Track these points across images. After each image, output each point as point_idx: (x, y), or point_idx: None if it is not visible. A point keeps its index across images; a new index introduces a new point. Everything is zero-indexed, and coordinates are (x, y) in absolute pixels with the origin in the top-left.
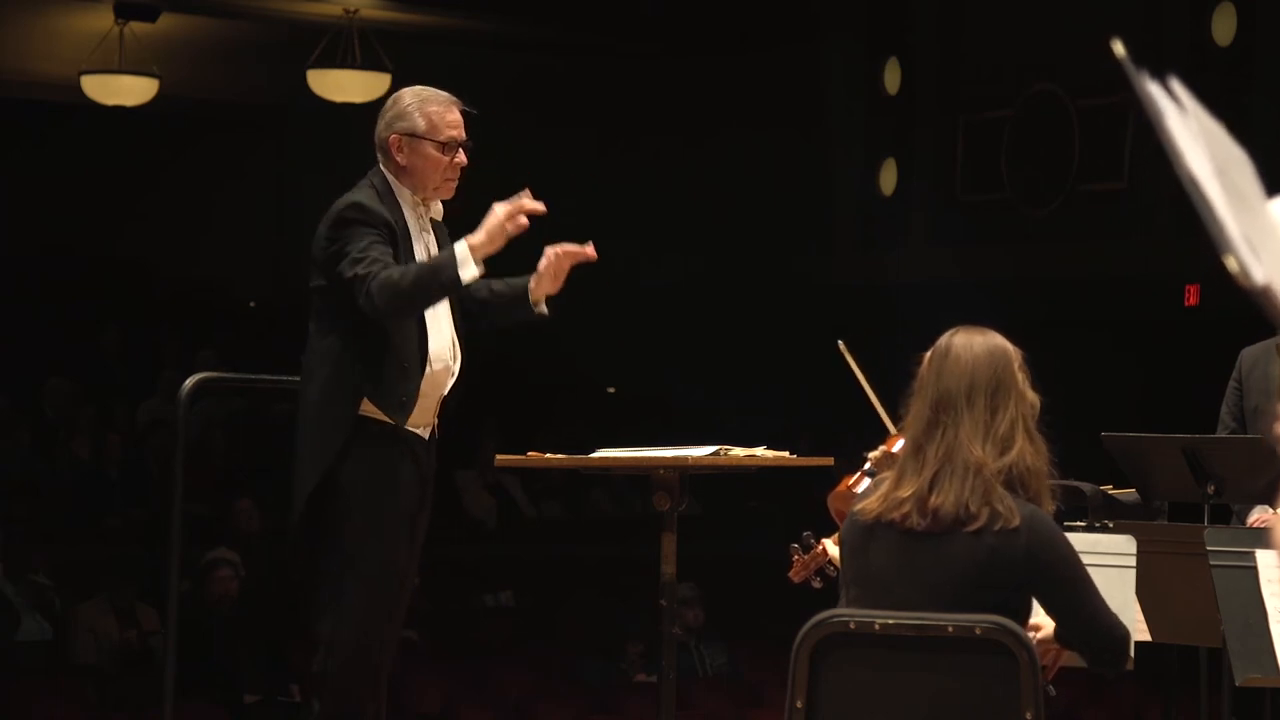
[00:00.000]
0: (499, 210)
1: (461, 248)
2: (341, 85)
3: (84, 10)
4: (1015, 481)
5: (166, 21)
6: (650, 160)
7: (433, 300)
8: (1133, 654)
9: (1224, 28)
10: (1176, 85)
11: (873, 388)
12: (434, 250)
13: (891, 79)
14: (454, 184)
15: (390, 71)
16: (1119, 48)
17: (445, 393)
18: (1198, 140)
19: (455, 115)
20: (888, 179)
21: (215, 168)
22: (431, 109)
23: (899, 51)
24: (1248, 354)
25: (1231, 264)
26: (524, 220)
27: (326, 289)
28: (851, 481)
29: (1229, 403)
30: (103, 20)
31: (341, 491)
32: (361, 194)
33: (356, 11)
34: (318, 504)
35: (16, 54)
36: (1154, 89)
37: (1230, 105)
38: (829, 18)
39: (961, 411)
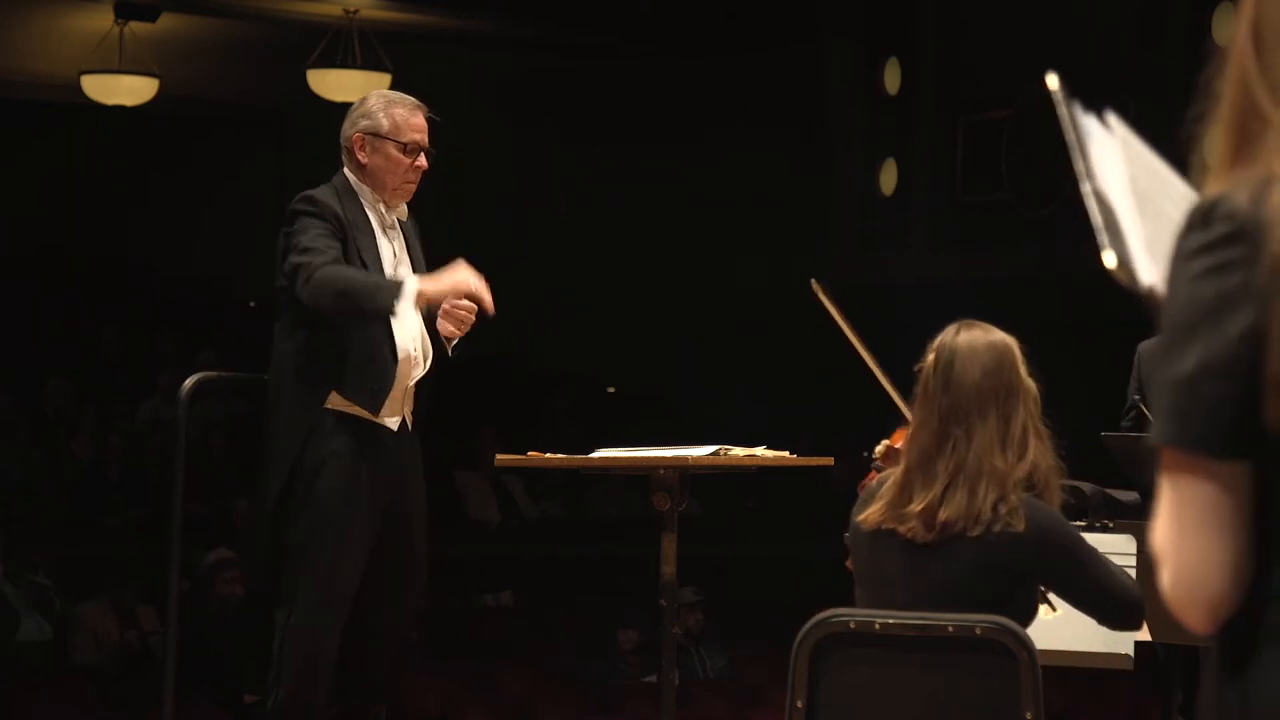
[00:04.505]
0: (465, 280)
1: (411, 285)
2: (341, 85)
3: (84, 10)
4: (1034, 484)
5: (166, 21)
6: (650, 160)
7: (357, 314)
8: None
9: (1224, 28)
10: (1110, 116)
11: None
12: (399, 250)
13: (891, 79)
14: (413, 187)
15: (390, 71)
16: (1053, 81)
17: (411, 384)
18: (1123, 164)
19: (420, 119)
20: (888, 179)
21: (215, 168)
22: (396, 111)
23: (899, 51)
24: (1145, 350)
25: (1109, 260)
26: (471, 302)
27: (285, 288)
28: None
29: (1129, 398)
30: (103, 20)
31: (299, 484)
32: (315, 190)
33: (356, 11)
34: (282, 498)
35: (16, 54)
36: (1082, 117)
37: None
38: (828, 18)
39: (974, 422)
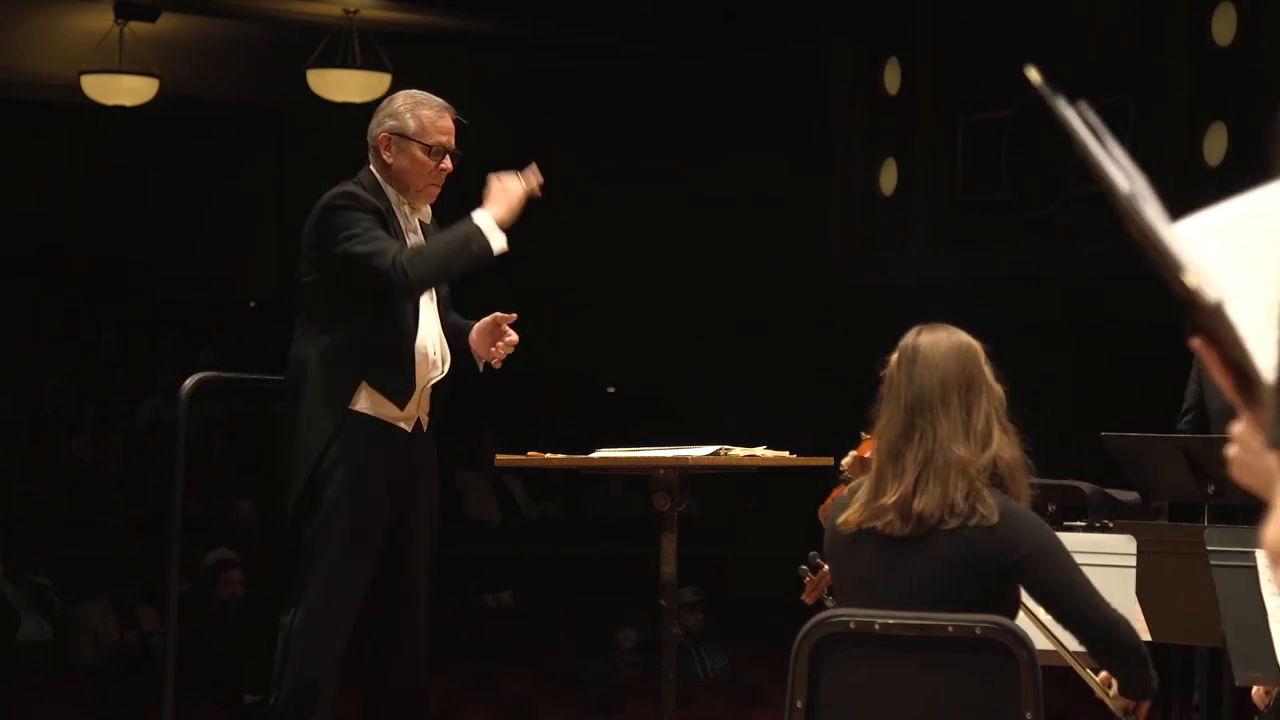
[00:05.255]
0: (511, 185)
1: (485, 219)
2: (341, 85)
3: (84, 10)
4: (999, 477)
5: (166, 21)
6: (650, 160)
7: (461, 271)
8: (1152, 671)
9: (1224, 28)
10: (1088, 111)
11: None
12: None
13: (891, 79)
14: (437, 190)
15: (390, 71)
16: (1033, 74)
17: (428, 385)
18: (1116, 164)
19: (447, 122)
20: (888, 179)
21: (215, 168)
22: (424, 112)
23: (899, 51)
24: None
25: (1191, 281)
26: (534, 189)
27: (318, 283)
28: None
29: (1188, 399)
30: (103, 20)
31: (315, 485)
32: (349, 186)
33: (356, 11)
34: (300, 497)
35: (16, 54)
36: (1071, 114)
37: (1230, 105)
38: (828, 18)
39: (937, 413)
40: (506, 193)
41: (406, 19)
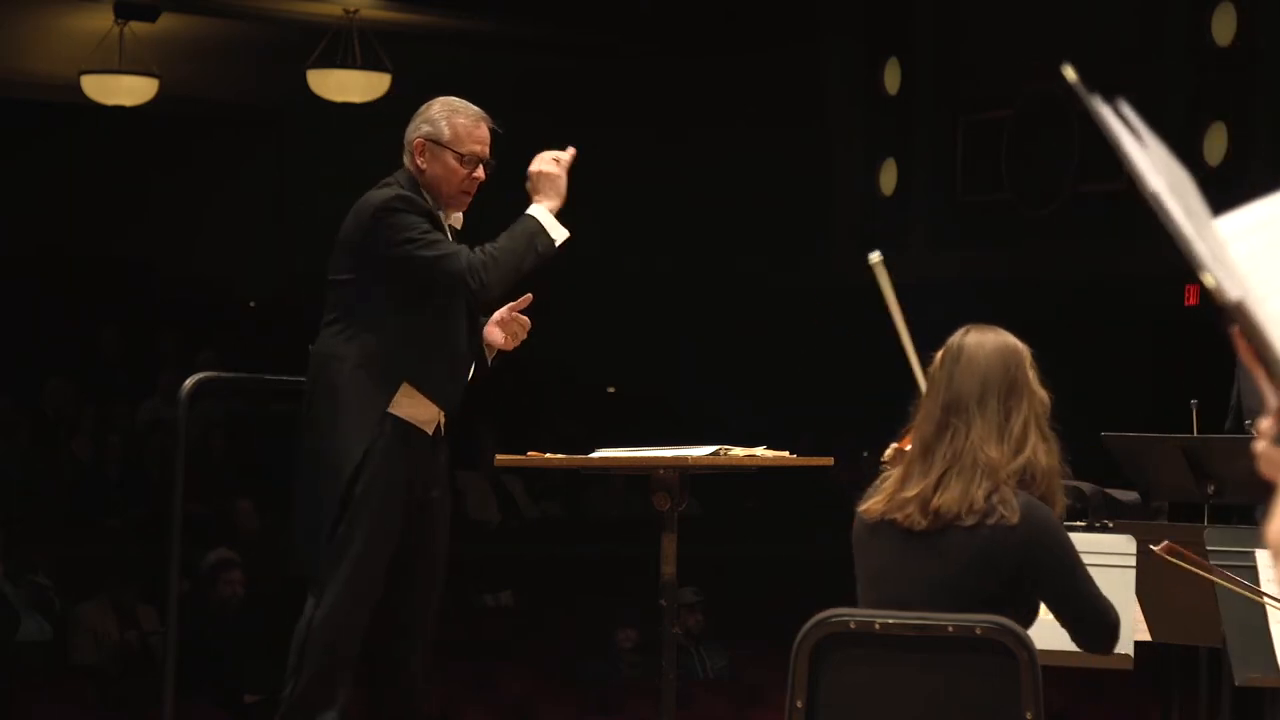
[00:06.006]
0: (550, 169)
1: (542, 212)
2: (341, 85)
3: (84, 10)
4: (1029, 481)
5: (166, 21)
6: (650, 160)
7: (532, 269)
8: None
9: (1224, 28)
10: (1126, 108)
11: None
12: None
13: (891, 79)
14: (469, 198)
15: (390, 71)
16: (1070, 73)
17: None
18: (1152, 162)
19: (483, 131)
20: (888, 179)
21: (215, 168)
22: (459, 120)
23: (899, 51)
24: None
25: (1209, 280)
26: (566, 159)
27: (358, 281)
28: None
29: (1232, 398)
30: (103, 20)
31: (348, 484)
32: (403, 190)
33: (356, 11)
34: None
35: (16, 54)
36: (1107, 112)
37: (1230, 105)
38: (828, 18)
39: (973, 414)
40: (551, 179)
41: (406, 19)
